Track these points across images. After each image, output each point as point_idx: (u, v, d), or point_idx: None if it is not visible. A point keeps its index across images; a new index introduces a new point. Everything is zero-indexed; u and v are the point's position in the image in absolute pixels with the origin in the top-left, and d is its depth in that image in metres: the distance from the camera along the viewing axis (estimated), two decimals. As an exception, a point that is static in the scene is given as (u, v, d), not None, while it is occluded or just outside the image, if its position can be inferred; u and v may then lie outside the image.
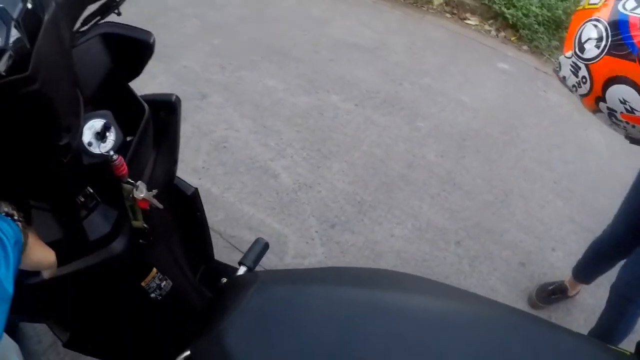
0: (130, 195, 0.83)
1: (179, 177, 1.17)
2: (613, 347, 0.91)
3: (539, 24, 4.50)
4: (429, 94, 3.24)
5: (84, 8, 0.78)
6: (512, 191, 2.73)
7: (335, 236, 2.26)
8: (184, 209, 1.20)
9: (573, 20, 1.20)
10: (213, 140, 2.55)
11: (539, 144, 3.15)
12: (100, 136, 0.80)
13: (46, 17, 0.62)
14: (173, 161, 1.10)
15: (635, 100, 1.04)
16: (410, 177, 2.59)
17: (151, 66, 0.92)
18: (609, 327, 1.79)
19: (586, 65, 1.11)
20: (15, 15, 0.57)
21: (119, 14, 0.86)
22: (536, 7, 4.51)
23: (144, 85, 0.95)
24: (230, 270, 1.20)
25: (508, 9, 4.54)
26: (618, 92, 1.07)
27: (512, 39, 4.52)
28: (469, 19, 4.61)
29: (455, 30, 4.29)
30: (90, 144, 0.80)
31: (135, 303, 1.01)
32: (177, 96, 1.05)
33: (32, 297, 0.86)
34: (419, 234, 2.37)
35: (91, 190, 0.84)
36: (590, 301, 2.28)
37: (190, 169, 2.40)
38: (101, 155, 0.79)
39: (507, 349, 0.83)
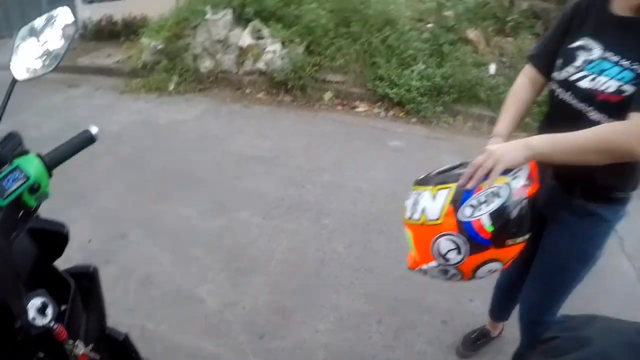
0: (72, 354, 1.08)
1: (110, 327, 1.37)
2: None
3: (421, 95, 5.09)
4: (330, 190, 3.63)
5: (17, 224, 1.04)
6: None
7: (265, 345, 2.48)
8: (121, 354, 1.42)
9: (416, 235, 1.42)
10: (139, 278, 2.76)
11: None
12: (41, 311, 1.02)
13: None
14: (102, 316, 1.35)
15: (495, 268, 1.37)
16: (324, 273, 2.89)
17: (70, 210, 1.18)
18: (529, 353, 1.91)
19: (455, 267, 1.34)
20: None
21: (37, 216, 1.13)
22: (416, 81, 5.11)
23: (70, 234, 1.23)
24: None
25: (391, 89, 5.13)
26: (485, 269, 1.36)
27: (400, 115, 5.08)
28: (358, 107, 5.16)
29: (347, 120, 4.81)
30: (34, 318, 1.00)
31: None
32: (94, 267, 1.32)
33: None
34: (341, 324, 2.61)
35: (42, 355, 1.07)
36: (518, 334, 2.55)
37: (122, 309, 2.57)
38: (44, 327, 1.00)
39: None
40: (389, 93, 5.12)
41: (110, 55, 6.76)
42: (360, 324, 2.63)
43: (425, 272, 1.45)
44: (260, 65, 5.49)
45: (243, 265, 2.89)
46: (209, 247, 3.00)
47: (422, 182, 1.43)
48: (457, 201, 1.28)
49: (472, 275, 1.37)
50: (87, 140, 1.24)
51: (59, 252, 1.24)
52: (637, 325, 0.95)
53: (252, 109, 4.90)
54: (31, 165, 1.03)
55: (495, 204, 1.25)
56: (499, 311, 2.34)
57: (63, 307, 1.10)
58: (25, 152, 1.06)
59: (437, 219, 1.30)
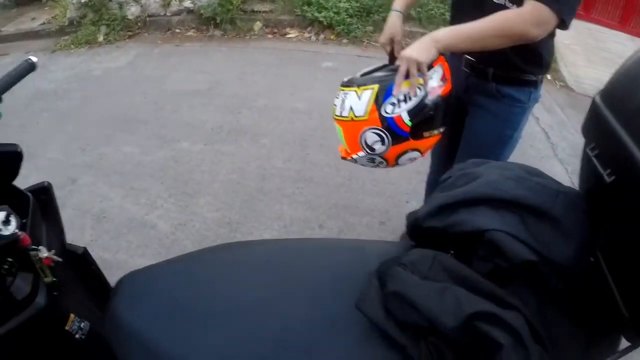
0: (37, 257, 1.27)
1: (69, 243, 1.52)
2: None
3: (350, 16, 5.24)
4: (266, 113, 3.85)
5: None
6: (356, 168, 3.24)
7: (218, 256, 2.77)
8: (81, 267, 1.54)
9: (345, 130, 1.60)
10: (93, 215, 2.97)
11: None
12: (6, 223, 1.16)
13: None
14: (60, 230, 1.50)
15: (414, 157, 1.61)
16: (266, 188, 3.16)
17: (22, 169, 1.36)
18: None
19: (380, 156, 1.56)
20: None
21: None
22: (344, 3, 5.24)
23: (24, 186, 1.40)
24: None
25: (320, 12, 5.24)
26: (406, 157, 1.59)
27: (332, 37, 5.24)
28: (289, 34, 5.29)
29: (279, 47, 4.95)
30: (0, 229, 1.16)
31: (66, 345, 1.30)
32: (48, 182, 1.51)
33: None
34: (286, 230, 2.88)
35: (10, 260, 1.20)
36: None
37: (81, 245, 2.80)
38: (9, 235, 1.14)
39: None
40: (318, 17, 5.22)
41: (35, 19, 6.59)
42: (304, 230, 2.88)
43: (355, 160, 1.66)
44: (187, 3, 5.51)
45: (189, 189, 3.13)
46: (155, 178, 3.21)
47: (348, 84, 1.60)
48: (380, 100, 1.46)
49: (395, 162, 1.61)
50: (28, 67, 1.41)
51: (15, 171, 1.41)
52: (527, 166, 1.14)
53: (183, 47, 4.98)
54: None
55: (412, 102, 1.46)
56: None
57: (24, 220, 1.24)
58: None
59: (363, 116, 1.49)
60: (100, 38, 5.42)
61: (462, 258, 0.98)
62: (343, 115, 1.58)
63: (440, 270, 0.93)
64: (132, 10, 5.68)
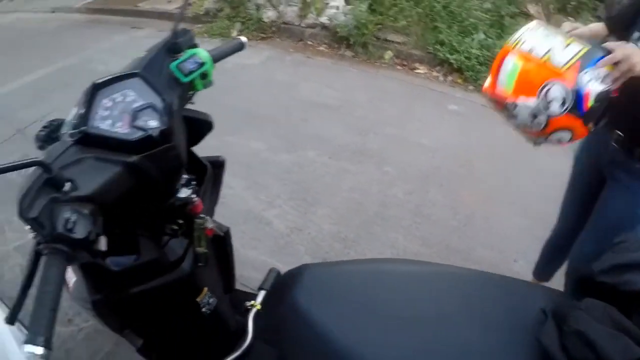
0: (202, 227, 1.26)
1: (214, 220, 1.50)
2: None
3: (480, 64, 5.16)
4: (392, 141, 3.81)
5: (187, 102, 1.28)
6: (473, 215, 3.24)
7: (327, 271, 2.73)
8: (221, 245, 1.57)
9: (527, 69, 1.41)
10: (212, 200, 3.01)
11: (495, 172, 3.70)
12: (185, 185, 1.22)
13: (174, 108, 1.09)
14: (216, 201, 1.55)
15: (564, 139, 1.45)
16: (385, 214, 3.10)
17: None
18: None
19: (547, 116, 1.38)
20: (162, 109, 1.05)
21: (192, 103, 1.35)
22: (476, 49, 5.19)
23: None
24: (251, 296, 1.48)
25: (452, 54, 5.21)
26: (558, 135, 1.43)
27: (459, 81, 5.18)
28: (418, 69, 5.28)
29: (407, 80, 4.94)
30: (178, 190, 1.20)
31: (192, 316, 1.33)
32: (223, 157, 1.55)
33: (117, 310, 1.22)
34: None
35: (180, 222, 1.24)
36: None
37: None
38: (186, 198, 1.20)
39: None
40: (449, 58, 5.19)
41: (171, 2, 6.97)
42: None
43: (512, 106, 1.45)
44: (323, 19, 5.63)
45: (310, 197, 3.12)
46: (278, 178, 3.23)
47: (547, 29, 1.46)
48: (584, 63, 1.32)
49: (548, 135, 1.43)
50: (238, 46, 1.48)
51: (199, 139, 1.43)
52: None
53: (315, 60, 5.07)
54: (204, 55, 1.23)
55: (606, 86, 1.32)
56: (542, 270, 2.45)
57: (199, 187, 1.29)
58: (195, 45, 1.26)
59: (561, 67, 1.34)
60: (234, 33, 5.62)
61: (623, 312, 1.06)
62: (535, 52, 1.40)
63: (608, 320, 1.02)
64: (269, 14, 5.87)
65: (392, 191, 3.30)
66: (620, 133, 1.61)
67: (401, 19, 5.51)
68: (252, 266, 2.63)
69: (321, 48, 5.42)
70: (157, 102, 1.05)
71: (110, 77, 1.08)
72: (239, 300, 1.57)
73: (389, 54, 5.38)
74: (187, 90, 1.25)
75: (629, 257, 1.15)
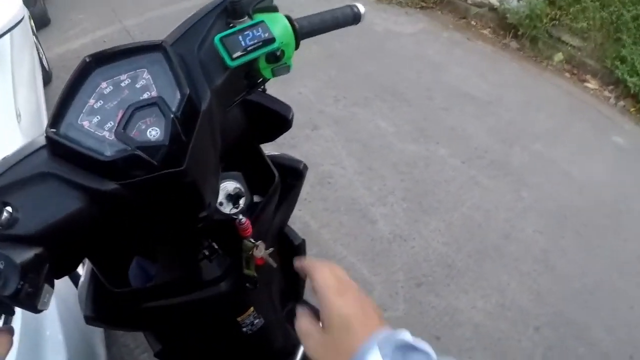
0: (250, 253, 0.88)
1: (290, 227, 1.19)
2: None
3: (663, 96, 4.22)
4: (538, 162, 3.10)
5: (237, 94, 0.81)
6: (603, 284, 2.55)
7: (419, 295, 2.22)
8: (289, 254, 1.23)
9: None
10: (318, 174, 2.57)
11: (645, 236, 2.95)
12: (232, 198, 0.84)
13: (203, 108, 0.65)
14: (287, 217, 1.13)
15: None
16: (505, 250, 2.49)
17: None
18: None
19: None
20: (174, 107, 0.61)
21: (264, 90, 0.90)
22: (663, 78, 4.23)
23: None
24: (317, 313, 1.21)
25: (631, 76, 4.25)
26: None
27: (632, 110, 4.23)
28: (588, 82, 4.38)
29: (573, 92, 4.09)
30: (221, 203, 0.83)
31: (227, 333, 1.05)
32: (304, 164, 1.08)
33: (141, 316, 0.93)
34: (501, 312, 2.27)
35: (215, 246, 0.89)
36: None
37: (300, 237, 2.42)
38: (230, 215, 0.83)
39: None
40: (627, 80, 4.24)
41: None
42: (518, 322, 2.28)
43: None
44: (493, 0, 4.86)
45: (426, 203, 2.57)
46: (397, 170, 2.70)
47: None
48: None
49: None
50: (350, 18, 0.91)
51: (271, 137, 1.01)
52: None
53: (474, 44, 4.34)
54: (278, 25, 0.75)
55: None
56: None
57: (256, 199, 0.90)
58: (271, 9, 0.79)
59: None
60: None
61: None
62: None
63: None
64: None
65: (520, 223, 2.66)
66: None
67: (581, 20, 4.57)
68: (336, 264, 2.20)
69: (484, 32, 4.64)
70: (172, 97, 0.64)
71: (122, 47, 0.68)
72: None
73: (559, 57, 4.51)
74: (243, 78, 0.81)
75: None
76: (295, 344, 1.12)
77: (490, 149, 3.05)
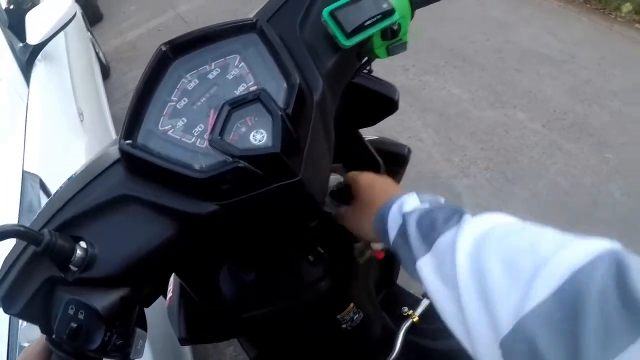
0: (365, 255, 0.83)
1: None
2: None
3: None
4: (619, 120, 2.91)
5: (346, 79, 0.70)
6: None
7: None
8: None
9: None
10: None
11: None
12: (334, 194, 0.74)
13: (316, 99, 0.52)
14: None
15: None
16: (593, 216, 2.36)
17: None
18: None
19: None
20: (281, 102, 0.48)
21: (370, 71, 0.81)
22: None
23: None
24: (413, 300, 1.15)
25: None
26: None
27: None
28: (661, 31, 4.08)
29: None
30: (325, 202, 0.73)
31: (326, 332, 1.00)
32: (409, 148, 1.00)
33: (240, 326, 0.88)
34: None
35: (321, 250, 0.82)
36: None
37: None
38: (331, 212, 0.73)
39: None
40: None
41: None
42: None
43: None
44: (556, -50, 4.53)
45: (510, 172, 2.45)
46: (476, 139, 2.58)
47: None
48: None
49: None
50: None
51: (374, 121, 0.91)
52: None
53: (539, 0, 4.09)
54: None
55: None
56: None
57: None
58: None
59: None
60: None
61: None
62: None
63: None
64: None
65: (607, 187, 2.51)
66: None
67: (652, -35, 4.24)
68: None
69: (548, -14, 4.37)
70: (277, 88, 0.51)
71: (205, 30, 0.54)
72: (395, 299, 1.21)
73: (627, 7, 4.17)
74: (357, 58, 0.69)
75: None
76: (394, 332, 1.05)
77: (569, 110, 2.87)
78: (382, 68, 2.90)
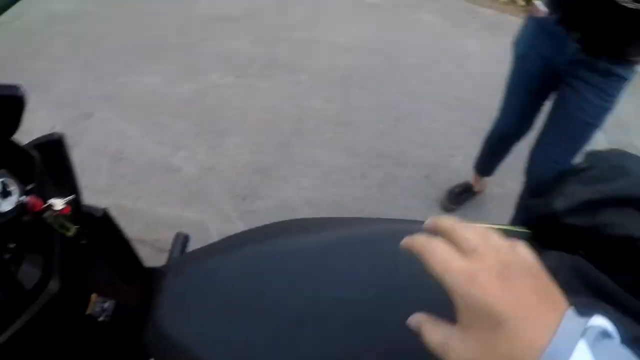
0: (53, 215, 0.82)
1: (85, 205, 1.15)
2: (511, 228, 0.96)
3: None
4: (304, 46, 3.20)
5: None
6: (402, 115, 2.79)
7: (249, 206, 2.25)
8: (102, 233, 1.18)
9: None
10: (110, 156, 2.43)
11: (420, 64, 3.21)
12: (5, 195, 0.76)
13: None
14: (74, 191, 1.08)
15: None
16: (303, 129, 2.58)
17: (29, 102, 0.86)
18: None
19: None
20: None
21: None
22: None
23: (30, 125, 0.90)
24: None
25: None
26: None
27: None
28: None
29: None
30: None
31: (86, 333, 0.97)
32: (59, 134, 1.02)
33: None
34: (325, 179, 2.38)
35: (12, 246, 0.82)
36: (499, 191, 2.39)
37: (95, 191, 2.22)
38: (12, 210, 0.74)
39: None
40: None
41: None
42: (345, 179, 2.41)
43: None
44: None
45: (218, 128, 2.55)
46: (180, 114, 2.62)
47: None
48: None
49: None
50: None
51: (16, 123, 0.92)
52: None
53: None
54: None
55: None
56: (484, 166, 2.25)
57: (29, 187, 0.83)
58: None
59: None
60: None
61: (593, 262, 0.78)
62: None
63: (581, 283, 0.74)
64: None
65: (308, 102, 2.77)
66: (580, 34, 1.47)
67: None
68: (166, 225, 2.14)
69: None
70: None
71: None
72: (153, 278, 1.19)
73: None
74: None
75: (602, 189, 0.86)
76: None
77: (257, 55, 3.09)
78: (78, 86, 2.82)
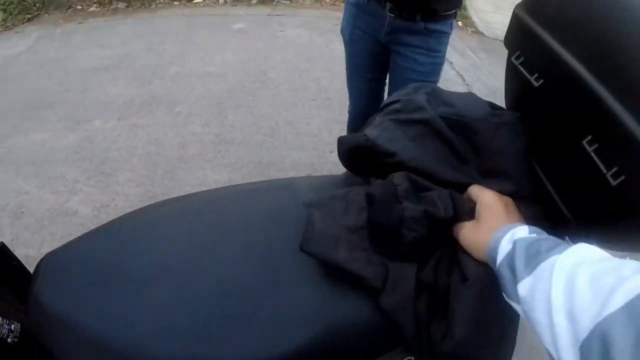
0: None
1: None
2: None
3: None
4: (179, 80, 3.48)
5: None
6: (277, 124, 3.11)
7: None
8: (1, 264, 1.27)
9: None
10: (10, 212, 2.58)
11: (289, 75, 3.55)
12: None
13: None
14: None
15: None
16: (186, 155, 2.85)
17: None
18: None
19: None
20: None
21: None
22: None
23: None
24: None
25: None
26: None
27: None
28: (194, -1, 4.86)
29: (187, 13, 4.52)
30: None
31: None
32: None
33: None
34: None
35: None
36: None
37: None
38: None
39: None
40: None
41: None
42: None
43: None
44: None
45: (107, 168, 2.77)
46: (70, 162, 2.82)
47: None
48: None
49: None
50: None
51: None
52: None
53: (87, 24, 4.42)
54: None
55: None
56: None
57: None
58: None
59: None
60: (-3, 25, 4.80)
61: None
62: None
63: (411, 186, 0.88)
64: (28, -9, 5.04)
65: (188, 130, 3.06)
66: (391, 3, 1.57)
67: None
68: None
69: (92, 9, 4.72)
70: None
71: None
72: None
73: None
74: None
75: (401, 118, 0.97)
76: None
77: (136, 95, 3.34)
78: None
